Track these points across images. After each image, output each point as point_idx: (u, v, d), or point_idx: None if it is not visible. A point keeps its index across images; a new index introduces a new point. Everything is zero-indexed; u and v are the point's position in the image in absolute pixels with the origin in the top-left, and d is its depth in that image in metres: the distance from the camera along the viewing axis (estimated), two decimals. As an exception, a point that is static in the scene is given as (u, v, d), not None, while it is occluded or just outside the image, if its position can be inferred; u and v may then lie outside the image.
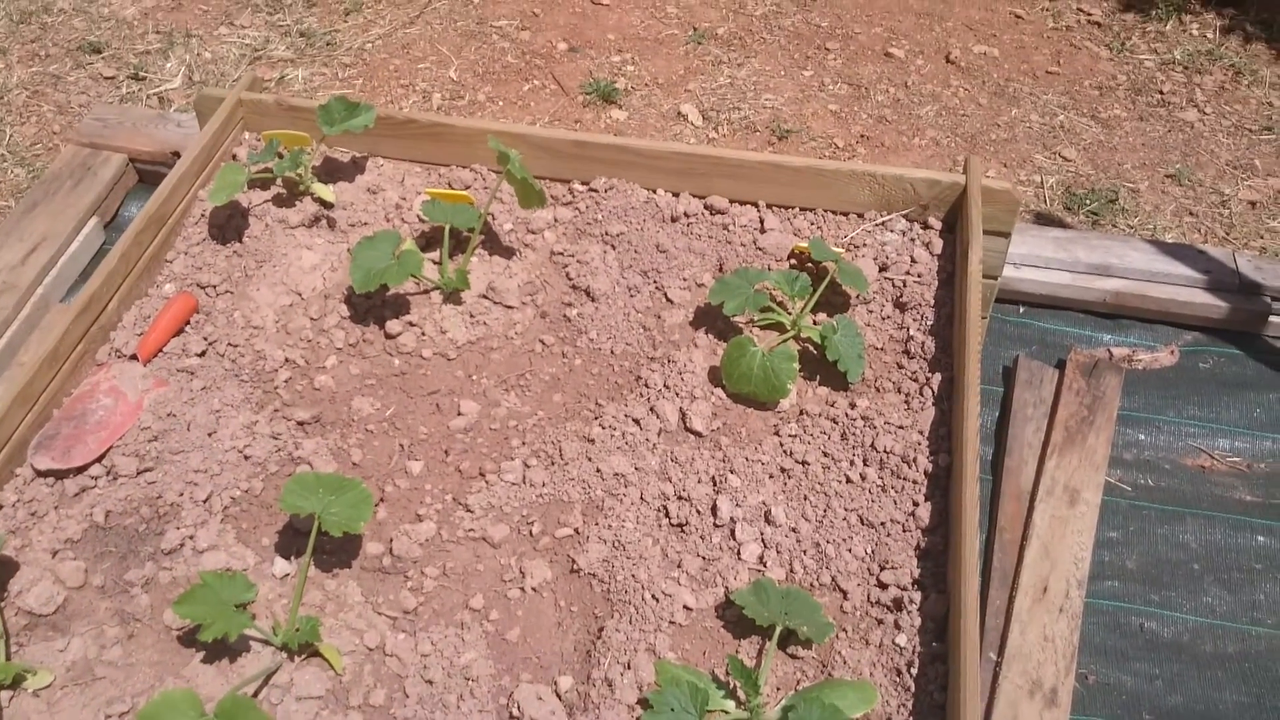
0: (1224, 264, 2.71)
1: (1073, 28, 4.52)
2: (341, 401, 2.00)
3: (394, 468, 1.92)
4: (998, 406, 2.55)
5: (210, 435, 1.92)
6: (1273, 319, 2.66)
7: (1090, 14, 4.58)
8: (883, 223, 2.26)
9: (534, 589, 1.76)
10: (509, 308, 2.15)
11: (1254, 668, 2.17)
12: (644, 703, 1.59)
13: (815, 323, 2.09)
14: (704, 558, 1.78)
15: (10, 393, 1.85)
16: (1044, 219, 3.61)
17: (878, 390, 2.01)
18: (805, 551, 1.78)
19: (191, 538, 1.79)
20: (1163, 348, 2.64)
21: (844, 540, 1.79)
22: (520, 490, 1.87)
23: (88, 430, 1.89)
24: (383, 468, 1.92)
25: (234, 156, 2.39)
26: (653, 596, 1.71)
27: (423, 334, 2.10)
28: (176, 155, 2.76)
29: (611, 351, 2.08)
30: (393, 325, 2.10)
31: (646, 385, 2.01)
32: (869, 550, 1.78)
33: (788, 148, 3.91)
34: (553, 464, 1.90)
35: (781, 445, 1.93)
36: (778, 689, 1.64)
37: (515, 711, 1.60)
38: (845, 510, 1.83)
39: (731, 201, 2.31)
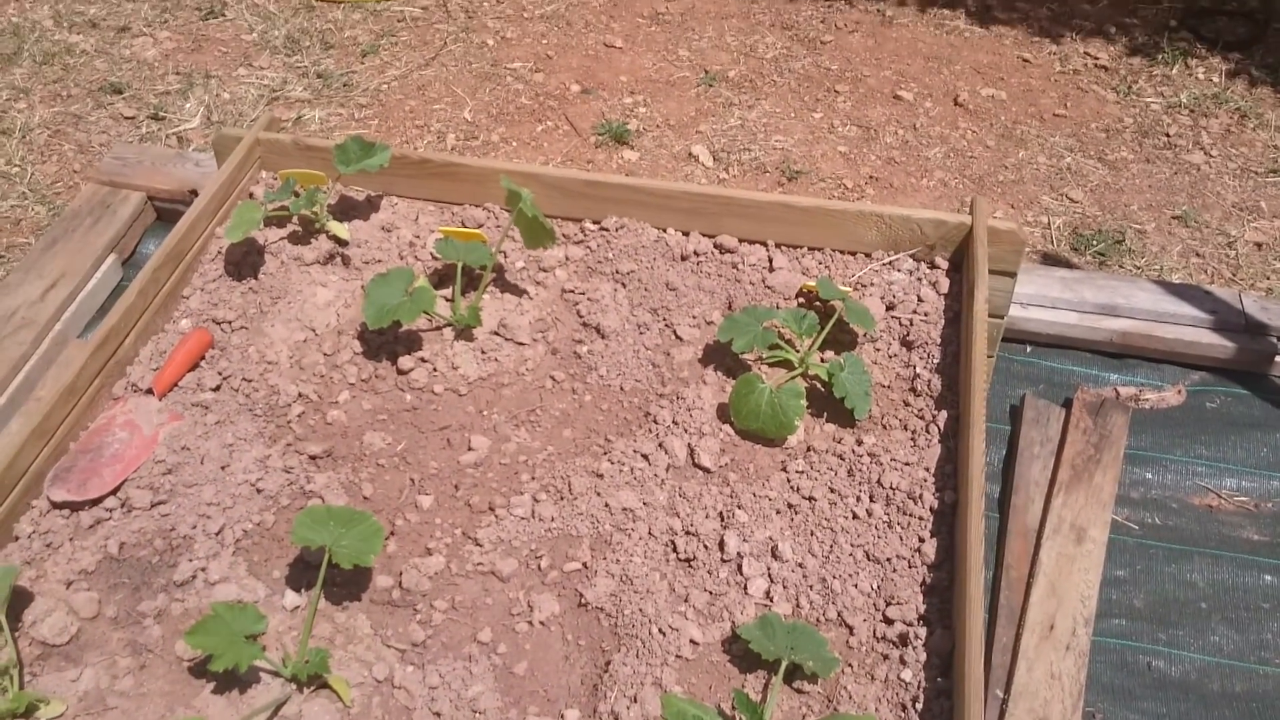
0: (1230, 304, 2.72)
1: (1080, 71, 4.56)
2: (353, 436, 2.02)
3: (404, 502, 1.94)
4: (1005, 445, 2.56)
5: (223, 469, 1.95)
6: (1279, 359, 2.67)
7: (1097, 58, 4.62)
8: (890, 262, 2.28)
9: (542, 623, 1.77)
10: (520, 344, 2.18)
11: (1261, 707, 2.16)
12: (650, 737, 1.60)
13: (823, 360, 2.11)
14: (711, 592, 1.79)
15: (27, 426, 1.88)
16: (1051, 260, 3.63)
17: (884, 427, 2.03)
18: (811, 587, 1.79)
19: (204, 570, 1.81)
20: (1170, 387, 2.65)
21: (850, 576, 1.80)
22: (529, 525, 1.89)
23: (103, 463, 1.92)
24: (393, 501, 1.94)
25: (251, 195, 2.43)
26: (660, 630, 1.72)
27: (434, 370, 2.12)
28: (194, 193, 2.80)
29: (621, 388, 2.10)
30: (405, 361, 2.12)
31: (655, 421, 2.03)
32: (875, 586, 1.79)
33: (797, 188, 3.95)
34: (562, 499, 1.92)
35: (789, 481, 1.95)
36: (784, 724, 1.65)
37: (522, 744, 1.61)
38: (851, 546, 1.84)
39: (741, 241, 2.33)
